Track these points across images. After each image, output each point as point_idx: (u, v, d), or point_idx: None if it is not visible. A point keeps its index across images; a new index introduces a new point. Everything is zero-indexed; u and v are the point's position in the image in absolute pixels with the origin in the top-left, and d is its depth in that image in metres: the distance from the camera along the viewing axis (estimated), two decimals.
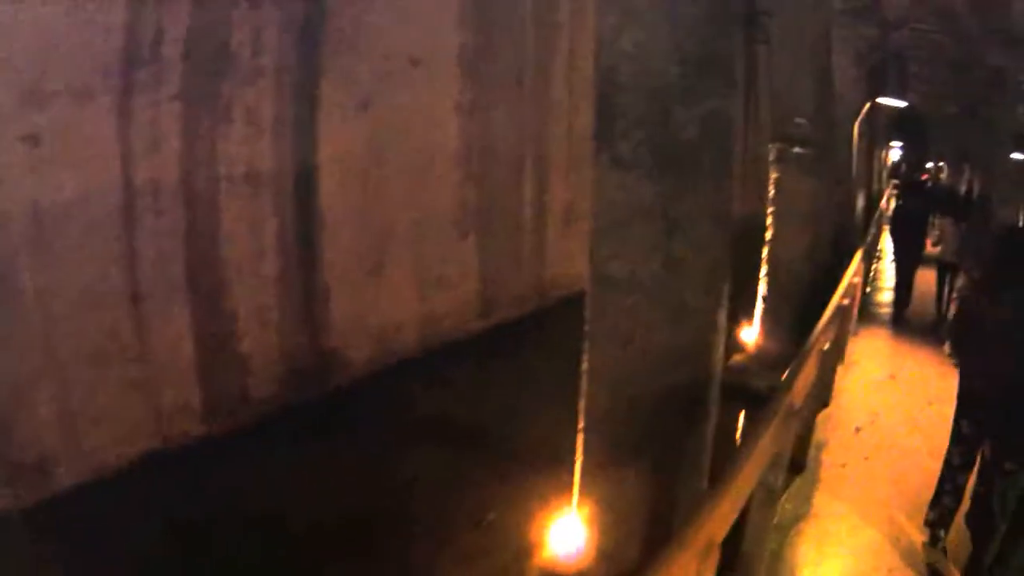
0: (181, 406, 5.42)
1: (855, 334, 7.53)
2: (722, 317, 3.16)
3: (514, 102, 7.95)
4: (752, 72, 14.17)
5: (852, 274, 6.27)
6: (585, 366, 3.17)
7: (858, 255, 7.10)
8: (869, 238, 10.66)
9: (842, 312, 5.18)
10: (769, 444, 2.79)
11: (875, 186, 18.51)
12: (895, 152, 30.18)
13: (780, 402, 3.03)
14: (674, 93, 3.05)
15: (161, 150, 5.18)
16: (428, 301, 7.11)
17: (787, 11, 7.50)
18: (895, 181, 32.54)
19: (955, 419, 3.55)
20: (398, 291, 6.97)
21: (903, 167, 37.71)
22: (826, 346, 4.56)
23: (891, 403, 5.92)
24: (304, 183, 6.13)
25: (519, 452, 5.70)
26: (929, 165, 37.03)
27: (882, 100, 7.58)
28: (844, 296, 5.35)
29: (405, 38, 6.75)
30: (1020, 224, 9.83)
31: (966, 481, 3.49)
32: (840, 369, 6.24)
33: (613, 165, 3.12)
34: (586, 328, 3.16)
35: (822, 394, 5.14)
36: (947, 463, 3.56)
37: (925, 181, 22.53)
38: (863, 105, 11.60)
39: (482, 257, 7.67)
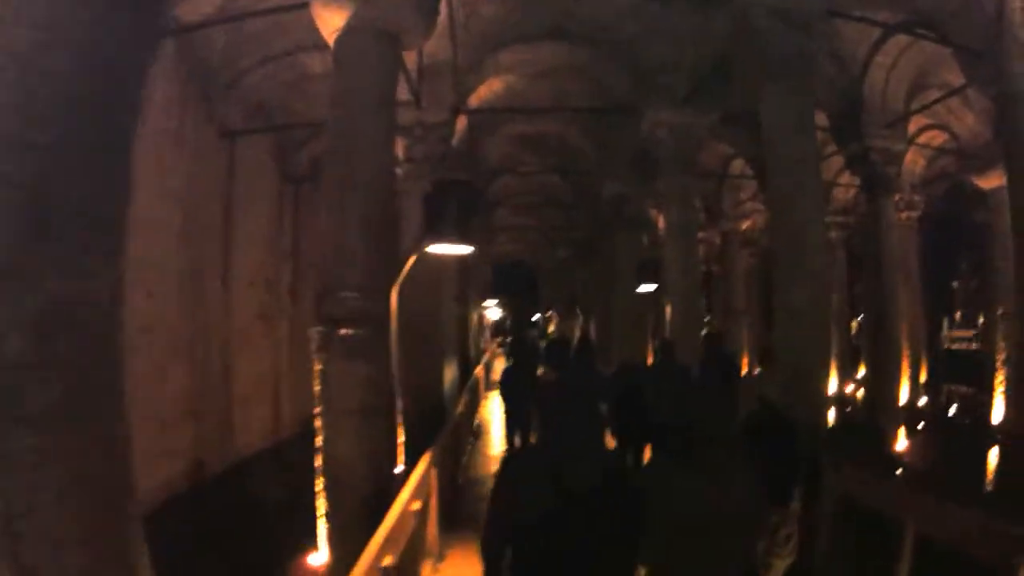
0: None
1: (441, 560, 5.74)
2: None
3: None
4: None
5: (406, 500, 4.41)
6: None
7: (423, 463, 5.33)
8: (455, 420, 8.65)
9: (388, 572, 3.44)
10: None
11: (471, 352, 17.15)
12: (494, 311, 30.08)
13: None
14: None
15: None
16: None
17: (335, 153, 5.64)
18: (499, 340, 32.21)
19: None
20: None
21: (507, 323, 38.06)
22: None
23: None
24: None
25: None
26: (537, 317, 39.01)
27: (440, 248, 5.73)
28: (383, 550, 3.42)
29: None
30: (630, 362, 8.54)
31: None
32: None
33: None
34: None
35: None
36: None
37: (534, 335, 22.69)
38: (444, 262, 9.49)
39: None
